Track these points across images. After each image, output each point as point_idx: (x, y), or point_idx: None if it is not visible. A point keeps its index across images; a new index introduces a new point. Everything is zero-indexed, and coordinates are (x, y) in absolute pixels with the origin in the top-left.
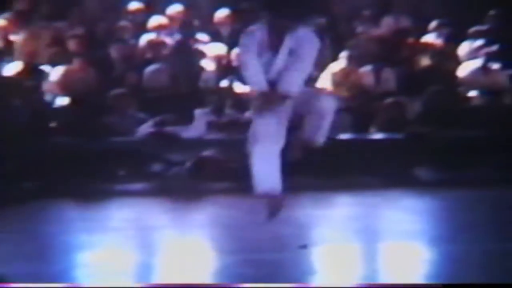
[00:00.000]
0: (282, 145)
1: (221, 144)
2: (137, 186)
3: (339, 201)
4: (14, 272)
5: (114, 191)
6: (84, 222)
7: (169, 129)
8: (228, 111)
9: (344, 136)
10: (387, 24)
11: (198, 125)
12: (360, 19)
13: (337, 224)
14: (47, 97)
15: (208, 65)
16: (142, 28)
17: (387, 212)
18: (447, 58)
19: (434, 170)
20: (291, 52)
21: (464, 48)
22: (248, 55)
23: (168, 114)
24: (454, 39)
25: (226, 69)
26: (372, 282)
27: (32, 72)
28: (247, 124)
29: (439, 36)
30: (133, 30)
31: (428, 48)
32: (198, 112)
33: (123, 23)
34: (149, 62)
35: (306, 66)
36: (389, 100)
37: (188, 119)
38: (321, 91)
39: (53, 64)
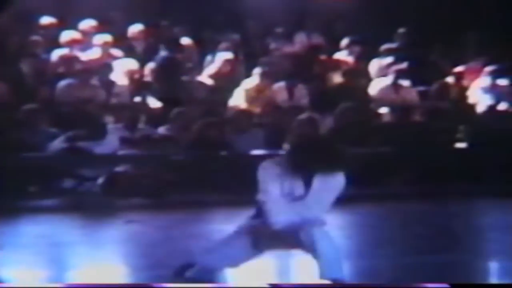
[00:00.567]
0: None
1: (134, 159)
2: (49, 202)
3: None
4: None
5: (25, 207)
6: None
7: (82, 144)
8: (141, 126)
9: (257, 151)
10: (299, 41)
11: (111, 140)
12: (273, 36)
13: None
14: None
15: (121, 80)
16: (54, 43)
17: None
18: (358, 75)
19: (345, 186)
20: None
21: (374, 66)
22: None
23: (80, 129)
24: (365, 57)
25: (139, 84)
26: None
27: None
28: (160, 139)
29: (350, 53)
30: (45, 44)
31: (340, 65)
32: (111, 127)
33: (35, 37)
34: (61, 76)
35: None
36: (302, 116)
37: (100, 134)
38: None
39: None
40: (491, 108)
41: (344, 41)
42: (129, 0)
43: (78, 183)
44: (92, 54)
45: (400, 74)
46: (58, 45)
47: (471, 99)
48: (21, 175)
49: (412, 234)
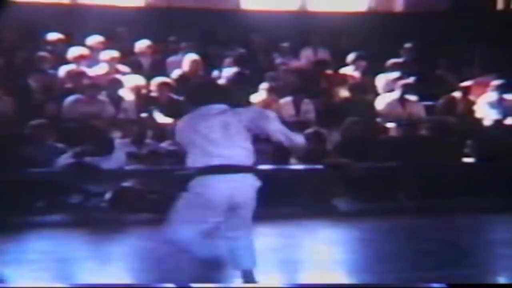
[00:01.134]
0: None
1: (141, 174)
2: (56, 217)
3: (258, 232)
4: None
5: (32, 222)
6: (1, 254)
7: (89, 159)
8: (149, 141)
9: (263, 166)
10: (306, 56)
11: (118, 155)
12: (279, 51)
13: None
14: None
15: (128, 95)
16: (61, 59)
17: (307, 243)
18: (364, 90)
19: (352, 201)
20: None
21: (381, 80)
22: None
23: (87, 145)
24: (371, 72)
25: (146, 99)
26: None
27: None
28: (167, 154)
29: (356, 68)
30: (53, 60)
31: (346, 80)
32: (118, 142)
33: (42, 53)
34: (68, 92)
35: None
36: (308, 130)
37: (108, 150)
38: None
39: None
40: (498, 123)
41: (350, 56)
42: (136, 16)
43: (85, 198)
44: (99, 70)
45: (407, 89)
46: (66, 61)
47: (478, 114)
48: (28, 191)
49: (417, 249)
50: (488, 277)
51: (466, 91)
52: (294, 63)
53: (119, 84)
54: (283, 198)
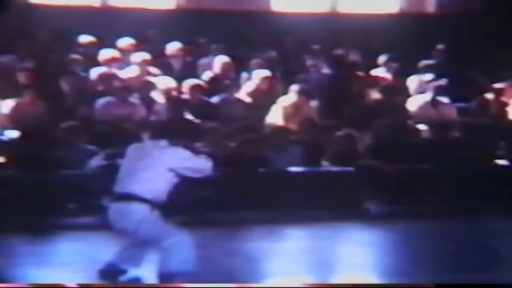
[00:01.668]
0: None
1: None
2: (87, 219)
3: (289, 234)
4: None
5: (64, 224)
6: (34, 256)
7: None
8: None
9: (294, 169)
10: None
11: None
12: (310, 53)
13: (288, 257)
14: None
15: (159, 97)
16: (93, 61)
17: (338, 245)
18: (396, 92)
19: (384, 203)
20: None
21: (413, 82)
22: None
23: (119, 147)
24: (402, 73)
25: (177, 101)
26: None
27: None
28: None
29: (388, 70)
30: (85, 62)
31: (377, 81)
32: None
33: (74, 55)
34: (100, 94)
35: None
36: (339, 133)
37: None
38: None
39: (3, 97)
40: None
41: (382, 58)
42: (167, 18)
43: None
44: (130, 72)
45: (439, 91)
46: (97, 63)
47: (511, 115)
48: (60, 193)
49: (450, 252)
50: None
51: (498, 92)
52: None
53: (151, 86)
54: (315, 200)
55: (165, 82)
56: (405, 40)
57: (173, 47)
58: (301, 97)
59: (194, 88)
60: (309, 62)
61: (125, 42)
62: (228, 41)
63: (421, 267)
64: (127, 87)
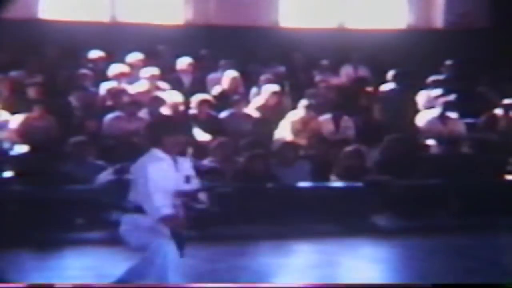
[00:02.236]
0: None
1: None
2: (96, 234)
3: (298, 250)
4: None
5: (72, 239)
6: (42, 271)
7: (129, 177)
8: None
9: (303, 184)
10: (346, 73)
11: None
12: (318, 68)
13: (296, 272)
14: (6, 145)
15: (167, 112)
16: (102, 76)
17: (346, 260)
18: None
19: (393, 218)
20: None
21: (421, 97)
22: None
23: (127, 162)
24: (411, 89)
25: (185, 116)
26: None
27: None
28: (206, 171)
29: (396, 85)
30: (94, 78)
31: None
32: None
33: (83, 70)
34: (109, 109)
35: None
36: (348, 148)
37: None
38: None
39: (13, 112)
40: None
41: (390, 73)
42: (175, 33)
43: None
44: (139, 87)
45: (447, 106)
46: (106, 78)
47: None
48: (69, 208)
49: (461, 267)
50: None
51: (508, 108)
52: (334, 80)
53: (161, 101)
54: (323, 215)
55: (172, 97)
56: (413, 55)
57: (183, 62)
58: (309, 112)
59: (202, 103)
60: (317, 77)
61: (134, 57)
62: (237, 56)
63: (427, 281)
64: (136, 102)
